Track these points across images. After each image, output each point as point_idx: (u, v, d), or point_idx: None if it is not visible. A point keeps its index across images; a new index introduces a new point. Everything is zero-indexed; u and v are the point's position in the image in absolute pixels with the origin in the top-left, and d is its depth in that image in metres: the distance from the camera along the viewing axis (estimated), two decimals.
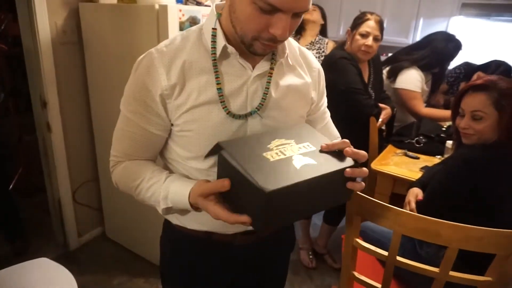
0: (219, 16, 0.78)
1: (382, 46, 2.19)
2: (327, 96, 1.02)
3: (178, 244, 0.94)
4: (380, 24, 1.95)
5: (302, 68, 0.89)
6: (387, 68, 2.35)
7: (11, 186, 2.85)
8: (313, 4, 2.61)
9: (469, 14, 3.42)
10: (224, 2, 0.78)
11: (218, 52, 0.76)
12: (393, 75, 2.30)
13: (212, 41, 0.76)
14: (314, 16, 2.60)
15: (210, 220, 0.84)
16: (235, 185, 0.67)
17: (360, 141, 2.05)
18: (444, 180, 1.29)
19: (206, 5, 1.92)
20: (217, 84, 0.76)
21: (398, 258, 1.09)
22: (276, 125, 0.83)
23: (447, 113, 2.21)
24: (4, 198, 2.25)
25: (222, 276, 0.94)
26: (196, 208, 0.76)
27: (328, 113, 1.02)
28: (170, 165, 0.88)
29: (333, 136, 1.04)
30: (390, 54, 3.94)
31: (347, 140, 0.74)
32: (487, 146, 1.28)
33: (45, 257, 1.36)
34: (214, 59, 0.76)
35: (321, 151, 0.72)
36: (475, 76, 2.33)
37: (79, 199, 2.29)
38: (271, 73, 0.81)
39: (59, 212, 2.24)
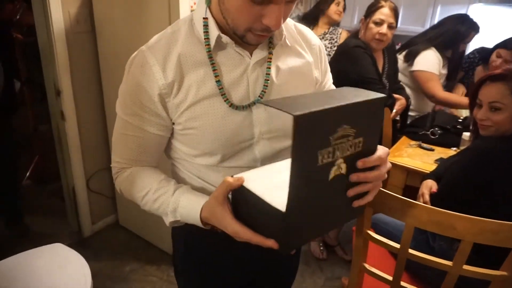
0: (208, 3, 0.73)
1: (398, 35, 2.14)
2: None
3: (191, 239, 0.92)
4: (394, 11, 1.90)
5: (302, 46, 0.84)
6: (404, 53, 2.29)
7: (27, 174, 2.93)
8: None
9: (489, 1, 3.31)
10: None
11: (212, 42, 0.72)
12: (410, 58, 2.24)
13: (204, 31, 0.72)
14: (330, 10, 2.55)
15: None
16: (251, 209, 0.65)
17: None
18: (459, 171, 1.26)
19: None
20: (215, 76, 0.72)
21: (410, 250, 1.07)
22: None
23: (464, 99, 2.15)
24: (11, 185, 2.31)
25: (236, 269, 0.93)
26: (205, 224, 0.72)
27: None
28: (179, 165, 0.85)
29: None
30: None
31: (383, 157, 0.68)
32: (505, 138, 1.24)
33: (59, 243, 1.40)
34: (209, 51, 0.72)
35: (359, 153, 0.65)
36: (494, 55, 2.28)
37: (93, 187, 2.33)
38: (270, 58, 0.77)
39: (74, 199, 2.28)
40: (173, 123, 0.77)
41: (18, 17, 2.75)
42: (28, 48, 2.75)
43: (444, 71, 2.30)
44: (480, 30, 2.25)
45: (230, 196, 0.69)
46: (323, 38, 2.54)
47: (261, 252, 0.90)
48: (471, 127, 1.45)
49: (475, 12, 3.44)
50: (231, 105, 0.73)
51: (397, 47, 2.36)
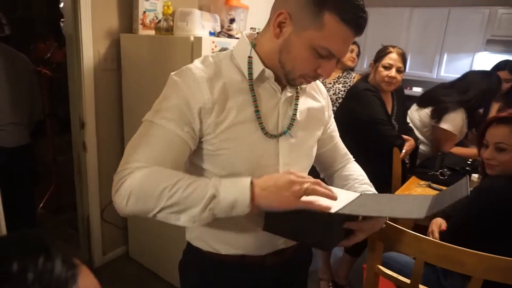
0: (253, 45, 0.84)
1: (406, 80, 2.24)
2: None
3: (203, 270, 0.94)
4: (402, 56, 2.00)
5: (317, 92, 0.98)
6: (431, 108, 2.31)
7: (42, 204, 2.99)
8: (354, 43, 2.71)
9: (494, 50, 3.44)
10: (252, 32, 0.89)
11: (255, 75, 0.82)
12: (437, 116, 2.27)
13: (248, 68, 0.83)
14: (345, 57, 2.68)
15: (246, 243, 0.87)
16: (294, 218, 0.76)
17: (383, 171, 2.08)
18: (467, 210, 1.29)
19: (236, 38, 2.04)
20: (255, 107, 0.82)
21: (421, 286, 1.08)
22: (300, 146, 0.90)
23: (471, 151, 2.21)
24: (27, 214, 2.36)
25: None
26: (253, 203, 0.72)
27: (336, 132, 1.08)
28: None
29: (343, 154, 1.08)
30: (414, 88, 3.99)
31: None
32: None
33: None
34: (251, 84, 0.82)
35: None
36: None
37: (106, 217, 2.37)
38: (298, 97, 0.89)
39: (87, 229, 2.32)
40: (201, 142, 0.82)
41: (48, 55, 2.96)
42: (54, 83, 2.94)
43: (465, 129, 2.34)
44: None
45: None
46: (336, 81, 2.64)
47: (275, 272, 0.93)
48: (479, 168, 1.49)
49: (481, 61, 3.56)
50: (266, 133, 0.83)
51: (406, 91, 2.45)
